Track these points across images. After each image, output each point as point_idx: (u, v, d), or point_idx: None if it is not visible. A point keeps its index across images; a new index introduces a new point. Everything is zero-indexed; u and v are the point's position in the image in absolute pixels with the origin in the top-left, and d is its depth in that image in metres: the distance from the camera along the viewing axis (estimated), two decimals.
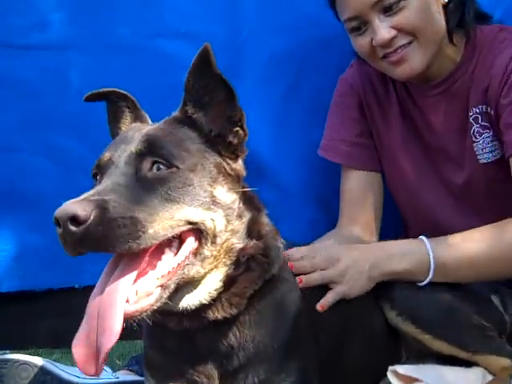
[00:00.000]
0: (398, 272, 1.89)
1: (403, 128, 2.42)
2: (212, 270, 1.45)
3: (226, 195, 1.46)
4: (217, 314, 1.46)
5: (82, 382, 1.84)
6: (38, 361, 1.84)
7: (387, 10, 2.07)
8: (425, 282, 1.90)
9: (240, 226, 1.49)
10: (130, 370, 1.94)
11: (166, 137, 1.44)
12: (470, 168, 2.27)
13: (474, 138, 2.22)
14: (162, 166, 1.38)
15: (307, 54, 2.70)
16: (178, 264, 1.37)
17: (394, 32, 2.08)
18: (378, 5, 2.06)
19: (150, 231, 1.28)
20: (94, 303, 1.30)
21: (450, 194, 2.35)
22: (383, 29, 2.08)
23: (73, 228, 1.21)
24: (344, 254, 1.88)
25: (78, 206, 1.22)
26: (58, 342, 2.56)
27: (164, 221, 1.32)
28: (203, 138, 1.49)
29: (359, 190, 2.43)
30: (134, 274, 1.31)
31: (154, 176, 1.37)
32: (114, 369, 2.14)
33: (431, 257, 1.90)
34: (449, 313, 1.85)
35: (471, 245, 1.93)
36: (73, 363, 1.88)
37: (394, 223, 2.63)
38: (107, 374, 1.93)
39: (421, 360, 1.84)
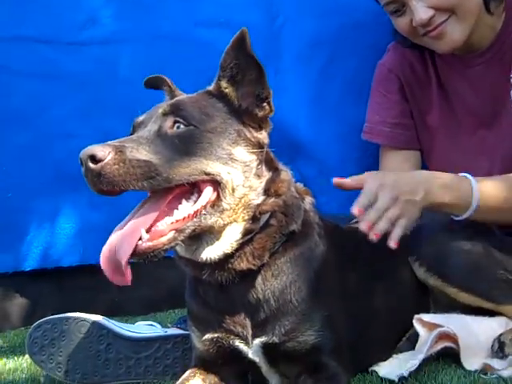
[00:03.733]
0: (446, 204, 1.91)
1: (441, 105, 2.50)
2: (231, 222, 1.58)
3: (245, 155, 1.60)
4: (242, 264, 1.60)
5: (133, 335, 2.01)
6: (94, 318, 2.02)
7: None
8: (463, 217, 1.96)
9: (258, 183, 1.62)
10: (178, 328, 2.09)
11: (192, 103, 1.61)
12: (509, 131, 2.34)
13: None
14: (181, 126, 1.55)
15: (341, 37, 2.84)
16: (194, 212, 1.51)
17: (431, 11, 2.17)
18: None
19: (164, 175, 1.45)
20: (115, 233, 1.49)
21: (489, 161, 2.41)
22: (421, 9, 2.17)
23: (91, 165, 1.40)
24: (403, 185, 1.86)
25: (97, 147, 1.42)
26: (116, 311, 2.77)
27: (179, 168, 1.48)
28: (229, 109, 1.64)
29: (397, 168, 2.52)
30: (151, 217, 1.48)
31: (173, 133, 1.54)
32: None
33: (474, 191, 1.94)
34: (475, 266, 1.92)
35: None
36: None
37: None
38: (156, 328, 2.10)
39: (448, 311, 1.92)
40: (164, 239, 1.47)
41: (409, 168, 2.52)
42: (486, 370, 1.71)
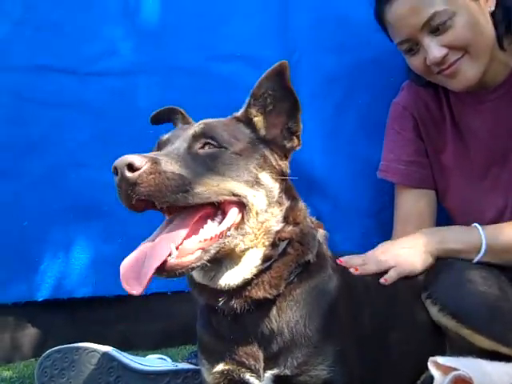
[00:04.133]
0: (453, 249, 2.08)
1: (456, 143, 2.50)
2: (252, 247, 1.60)
3: (269, 180, 1.63)
4: (259, 293, 1.59)
5: (143, 368, 2.00)
6: (105, 349, 2.02)
7: (435, 31, 2.18)
8: (476, 259, 2.09)
9: (278, 210, 1.64)
10: (189, 363, 2.08)
11: (221, 126, 1.65)
12: None
13: None
14: (211, 147, 1.58)
15: (357, 73, 2.85)
16: (221, 232, 1.53)
17: (445, 50, 2.19)
18: (426, 26, 2.18)
19: (196, 190, 1.47)
20: (145, 245, 1.50)
21: (503, 198, 2.40)
22: (434, 48, 2.19)
23: (128, 174, 1.40)
24: (394, 243, 2.10)
25: (134, 156, 1.43)
26: (128, 345, 2.74)
27: (209, 186, 1.50)
28: (256, 135, 1.69)
29: (413, 207, 2.52)
30: (181, 234, 1.49)
31: (204, 152, 1.57)
32: None
33: (483, 238, 2.08)
34: (490, 308, 1.90)
35: None
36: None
37: None
38: (167, 362, 2.09)
39: (463, 355, 1.89)
40: (192, 257, 1.48)
41: (424, 206, 2.52)
42: None
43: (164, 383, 2.00)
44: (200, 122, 1.70)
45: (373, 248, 2.18)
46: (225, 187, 1.53)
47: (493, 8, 2.24)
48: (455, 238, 2.13)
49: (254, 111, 1.69)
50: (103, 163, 2.73)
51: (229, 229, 1.54)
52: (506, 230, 2.15)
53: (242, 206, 1.56)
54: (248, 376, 1.62)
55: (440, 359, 1.81)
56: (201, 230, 1.52)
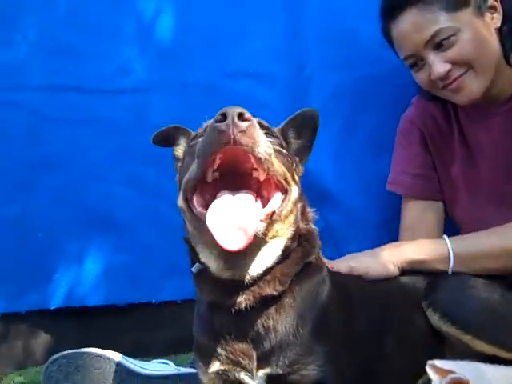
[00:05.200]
0: (416, 260, 2.14)
1: (463, 157, 2.51)
2: (278, 236, 1.66)
3: (297, 178, 1.75)
4: (267, 289, 1.62)
5: (146, 373, 2.03)
6: (110, 354, 2.06)
7: (439, 47, 2.21)
8: (450, 270, 2.11)
9: (298, 209, 1.72)
10: (192, 367, 2.10)
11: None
12: None
13: None
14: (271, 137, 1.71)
15: (367, 88, 2.90)
16: (267, 214, 1.60)
17: (448, 66, 2.22)
18: (430, 42, 2.21)
19: (275, 163, 1.60)
20: (230, 206, 1.55)
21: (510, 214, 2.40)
22: (438, 64, 2.22)
23: (238, 121, 1.46)
24: (369, 254, 2.18)
25: (243, 109, 1.49)
26: (139, 352, 2.77)
27: (280, 166, 1.63)
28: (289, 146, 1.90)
29: (418, 219, 2.53)
30: (258, 208, 1.59)
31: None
32: None
33: (449, 247, 2.12)
34: (491, 314, 1.89)
35: (482, 240, 2.15)
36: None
37: None
38: (170, 366, 2.11)
39: (464, 359, 1.87)
40: (259, 229, 1.56)
41: (430, 217, 2.53)
42: None
43: None
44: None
45: None
46: (281, 171, 1.62)
47: (499, 24, 2.26)
48: (419, 249, 2.17)
49: (285, 129, 1.91)
50: (116, 178, 2.86)
51: (273, 212, 1.61)
52: (471, 238, 2.19)
53: (285, 193, 1.65)
54: (243, 375, 1.64)
55: (438, 362, 1.81)
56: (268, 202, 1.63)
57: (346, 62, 2.90)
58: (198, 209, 1.61)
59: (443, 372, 1.78)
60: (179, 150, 2.03)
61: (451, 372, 1.76)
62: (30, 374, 2.71)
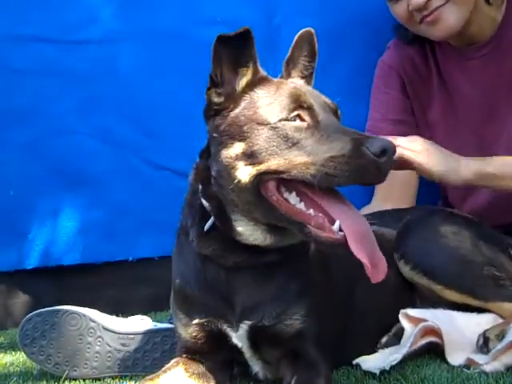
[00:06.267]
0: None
1: (442, 99, 2.49)
2: None
3: None
4: (276, 256, 1.63)
5: (122, 330, 2.03)
6: (85, 311, 2.04)
7: None
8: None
9: None
10: (171, 323, 2.11)
11: None
12: (508, 127, 2.34)
13: None
14: None
15: (340, 35, 2.85)
16: None
17: None
18: None
19: None
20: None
21: (489, 153, 2.37)
22: None
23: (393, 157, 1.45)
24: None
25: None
26: (118, 309, 2.77)
27: None
28: None
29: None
30: None
31: None
32: None
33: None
34: (460, 263, 1.91)
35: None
36: None
37: (433, 195, 2.71)
38: (147, 322, 2.11)
39: (435, 308, 1.91)
40: None
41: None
42: (469, 364, 1.69)
43: (143, 343, 2.02)
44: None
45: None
46: None
47: None
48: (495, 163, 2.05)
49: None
50: (87, 131, 2.80)
51: None
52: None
53: None
54: (226, 327, 1.65)
55: (410, 311, 1.85)
56: None
57: (319, 8, 2.84)
58: (294, 202, 1.51)
59: (416, 320, 1.82)
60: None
61: (423, 320, 1.80)
62: (10, 334, 2.72)
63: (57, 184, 2.78)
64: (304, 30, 1.79)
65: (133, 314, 2.82)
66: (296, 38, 1.79)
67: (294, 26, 2.79)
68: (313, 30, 1.79)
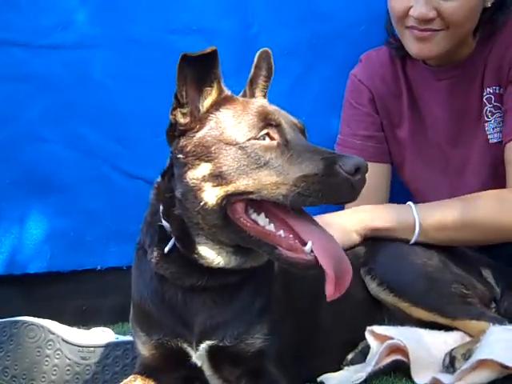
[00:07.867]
0: (381, 228, 2.03)
1: (412, 118, 2.48)
2: None
3: None
4: (236, 277, 1.60)
5: (83, 342, 1.98)
6: (44, 322, 1.99)
7: None
8: (413, 240, 2.02)
9: None
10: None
11: None
12: (479, 148, 2.32)
13: (486, 118, 2.28)
14: None
15: (316, 47, 2.81)
16: None
17: (434, 13, 2.12)
18: None
19: None
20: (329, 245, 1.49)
21: (456, 179, 2.39)
22: (427, 5, 2.12)
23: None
24: (328, 220, 1.98)
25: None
26: (85, 320, 2.74)
27: None
28: None
29: (368, 181, 2.48)
30: None
31: None
32: None
33: (416, 216, 2.02)
34: (427, 281, 1.90)
35: (447, 212, 2.04)
36: None
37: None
38: (108, 335, 2.07)
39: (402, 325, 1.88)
40: None
41: (379, 181, 2.50)
42: None
43: (104, 356, 1.98)
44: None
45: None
46: None
47: (489, 5, 2.22)
48: (386, 217, 2.06)
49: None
50: (58, 137, 2.75)
51: None
52: (436, 207, 2.10)
53: None
54: (185, 346, 1.62)
55: (377, 328, 1.81)
56: None
57: (296, 19, 2.80)
58: (264, 224, 1.48)
59: (382, 338, 1.79)
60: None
61: (390, 338, 1.76)
62: None
63: (24, 191, 2.72)
64: (262, 49, 1.79)
65: (100, 325, 2.79)
66: (256, 57, 1.79)
67: (272, 36, 2.83)
68: (269, 50, 1.80)
